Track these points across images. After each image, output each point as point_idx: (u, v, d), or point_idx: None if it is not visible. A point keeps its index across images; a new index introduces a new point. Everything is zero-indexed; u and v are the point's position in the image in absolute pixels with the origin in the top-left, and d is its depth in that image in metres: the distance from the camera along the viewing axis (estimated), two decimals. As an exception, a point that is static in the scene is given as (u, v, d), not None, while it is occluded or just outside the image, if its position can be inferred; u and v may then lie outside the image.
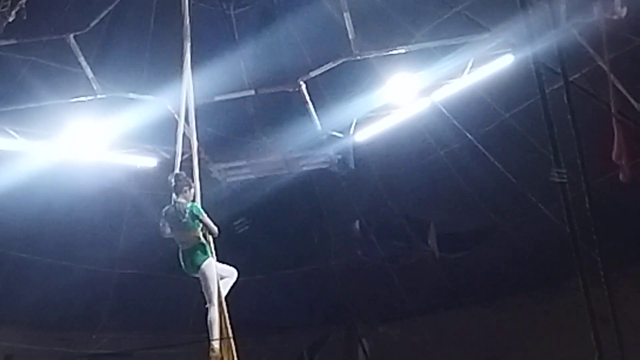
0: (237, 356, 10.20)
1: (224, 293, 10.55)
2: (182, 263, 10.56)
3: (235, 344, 10.21)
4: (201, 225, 10.46)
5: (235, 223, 15.41)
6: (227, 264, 10.88)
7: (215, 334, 10.20)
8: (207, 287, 10.36)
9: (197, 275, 10.47)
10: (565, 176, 5.40)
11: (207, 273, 10.37)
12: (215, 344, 10.14)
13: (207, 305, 10.35)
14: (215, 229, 10.52)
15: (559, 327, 16.17)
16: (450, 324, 18.38)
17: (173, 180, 10.64)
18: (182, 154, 11.47)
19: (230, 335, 10.22)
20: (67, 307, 17.18)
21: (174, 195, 10.59)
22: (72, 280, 17.00)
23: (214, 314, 10.25)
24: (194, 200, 10.67)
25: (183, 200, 10.52)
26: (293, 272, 18.20)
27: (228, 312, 10.32)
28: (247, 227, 15.96)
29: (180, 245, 10.60)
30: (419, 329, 18.77)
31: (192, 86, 11.83)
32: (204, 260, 10.39)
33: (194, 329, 16.20)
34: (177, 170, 11.05)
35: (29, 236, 16.72)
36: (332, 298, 16.90)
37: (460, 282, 17.78)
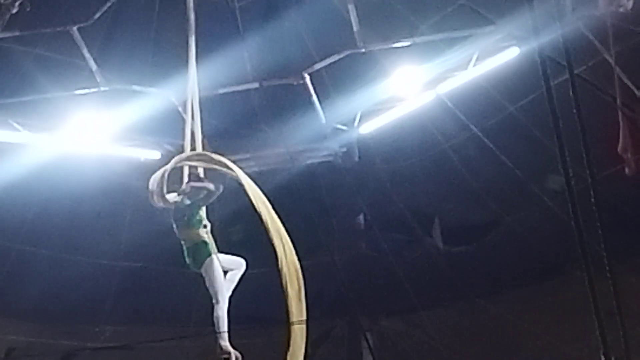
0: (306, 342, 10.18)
1: (232, 287, 10.56)
2: (186, 259, 10.58)
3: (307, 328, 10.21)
4: (202, 225, 10.50)
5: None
6: (234, 254, 10.88)
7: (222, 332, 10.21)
8: (211, 285, 10.36)
9: (201, 272, 10.49)
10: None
11: (210, 272, 10.38)
12: (222, 342, 10.15)
13: (214, 302, 10.36)
14: (213, 187, 10.51)
15: (563, 321, 16.14)
16: (454, 317, 18.34)
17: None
18: (187, 149, 11.51)
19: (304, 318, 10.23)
20: (70, 299, 17.14)
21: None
22: (75, 273, 16.95)
23: (219, 311, 10.25)
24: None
25: (180, 198, 10.58)
26: (296, 265, 18.14)
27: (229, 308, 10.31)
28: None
29: (183, 242, 10.62)
30: (423, 322, 18.73)
31: (197, 82, 11.84)
32: (206, 258, 10.40)
33: (198, 322, 16.23)
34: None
35: (32, 229, 16.69)
36: (335, 292, 16.80)
37: (464, 275, 17.73)
